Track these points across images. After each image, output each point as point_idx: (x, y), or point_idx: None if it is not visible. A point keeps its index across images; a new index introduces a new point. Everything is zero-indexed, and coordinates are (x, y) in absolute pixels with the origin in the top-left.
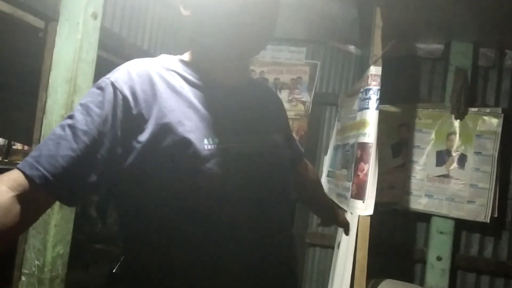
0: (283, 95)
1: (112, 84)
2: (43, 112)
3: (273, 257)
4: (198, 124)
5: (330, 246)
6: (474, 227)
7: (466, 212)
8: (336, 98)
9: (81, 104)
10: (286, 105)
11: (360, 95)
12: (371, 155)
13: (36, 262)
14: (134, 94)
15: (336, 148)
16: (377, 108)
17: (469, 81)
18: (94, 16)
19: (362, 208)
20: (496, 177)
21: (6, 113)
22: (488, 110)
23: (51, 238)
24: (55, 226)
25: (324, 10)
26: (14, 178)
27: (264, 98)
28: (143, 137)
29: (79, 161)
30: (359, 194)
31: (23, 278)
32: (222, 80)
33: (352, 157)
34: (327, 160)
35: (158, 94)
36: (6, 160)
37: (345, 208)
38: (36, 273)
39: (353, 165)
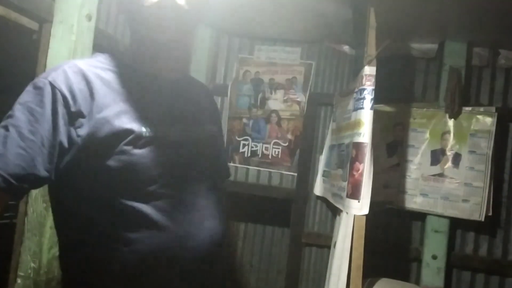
0: (278, 95)
1: (50, 84)
2: None
3: (201, 243)
4: (134, 115)
5: (326, 245)
6: (469, 225)
7: (461, 210)
8: (331, 98)
9: (20, 104)
10: (281, 105)
11: (354, 95)
12: (366, 155)
13: (32, 264)
14: (72, 92)
15: (331, 148)
16: (371, 108)
17: (463, 80)
18: (89, 18)
19: (358, 208)
20: (490, 176)
21: None
22: (482, 109)
23: (46, 240)
24: (51, 228)
25: (318, 11)
26: None
27: (197, 91)
28: (83, 131)
29: (29, 158)
30: (354, 193)
31: (19, 280)
32: (156, 72)
33: (347, 157)
34: (322, 160)
35: (94, 92)
36: None
37: (340, 207)
38: (32, 275)
39: (348, 164)
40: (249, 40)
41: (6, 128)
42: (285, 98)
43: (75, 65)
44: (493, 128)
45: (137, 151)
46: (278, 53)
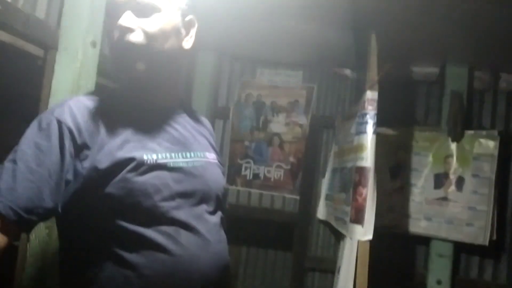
0: (280, 118)
1: (57, 119)
2: None
3: (207, 266)
4: (136, 144)
5: (329, 270)
6: (474, 250)
7: (465, 235)
8: (333, 121)
9: (27, 139)
10: (284, 128)
11: (357, 119)
12: (369, 179)
13: None
14: (77, 126)
15: (334, 171)
16: (374, 133)
17: (465, 103)
18: (93, 45)
19: (361, 233)
20: (494, 199)
21: (1, 139)
22: (484, 132)
23: (49, 267)
24: (53, 255)
25: (319, 35)
26: None
27: (195, 119)
28: (87, 163)
29: (37, 191)
30: (358, 218)
31: None
32: (152, 102)
33: (350, 181)
34: (325, 183)
35: (98, 125)
36: None
37: (344, 232)
38: None
39: (351, 189)
40: (251, 63)
41: (14, 162)
42: (287, 121)
43: (79, 100)
44: (496, 152)
45: (138, 178)
46: (280, 76)
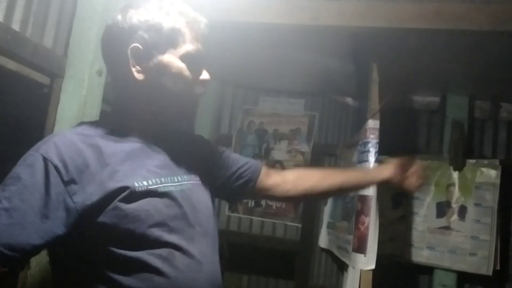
0: (282, 146)
1: (42, 156)
2: None
3: None
4: (127, 173)
5: None
6: (477, 280)
7: (468, 264)
8: (334, 148)
9: (12, 177)
10: (286, 156)
11: (358, 147)
12: (371, 207)
13: None
14: (63, 162)
15: (336, 199)
16: (376, 161)
17: (466, 133)
18: (99, 73)
19: (364, 262)
20: (497, 229)
21: (6, 165)
22: (486, 161)
23: None
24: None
25: (321, 65)
26: None
27: (189, 141)
28: (78, 198)
29: (20, 228)
30: (360, 247)
31: None
32: (151, 133)
33: (353, 209)
34: (327, 211)
35: (86, 160)
36: None
37: (346, 261)
38: None
39: (353, 217)
40: (253, 92)
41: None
42: (289, 148)
43: (64, 135)
44: (498, 181)
45: (130, 205)
46: (282, 104)
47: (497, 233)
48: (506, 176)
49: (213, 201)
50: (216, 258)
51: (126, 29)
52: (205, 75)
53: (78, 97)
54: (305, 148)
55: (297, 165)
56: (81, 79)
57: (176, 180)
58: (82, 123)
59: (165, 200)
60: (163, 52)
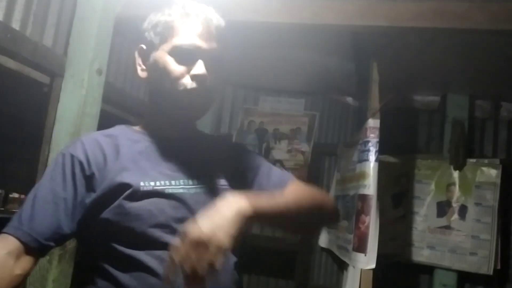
0: (283, 145)
1: (70, 153)
2: (45, 166)
3: None
4: (135, 172)
5: None
6: (478, 279)
7: (468, 264)
8: (335, 148)
9: (46, 173)
10: (286, 155)
11: (359, 146)
12: (371, 207)
13: None
14: (87, 158)
15: (336, 198)
16: (376, 160)
17: (466, 132)
18: (99, 72)
19: (364, 262)
20: (498, 228)
21: (6, 164)
22: (486, 161)
23: None
24: (53, 282)
25: (321, 64)
26: (2, 240)
27: (212, 146)
28: (94, 193)
29: (54, 219)
30: (360, 247)
31: None
32: (166, 134)
33: (353, 208)
34: None
35: (106, 158)
36: (3, 209)
37: (347, 261)
38: None
39: (354, 217)
40: (253, 91)
41: (34, 194)
42: (289, 148)
43: (91, 136)
44: (498, 180)
45: (134, 204)
46: (283, 104)
47: (498, 233)
48: (506, 176)
49: None
50: (226, 265)
51: (140, 32)
52: (196, 69)
53: (78, 96)
54: (305, 147)
55: (297, 165)
56: (81, 78)
57: (190, 183)
58: (116, 126)
59: (171, 202)
60: (157, 49)
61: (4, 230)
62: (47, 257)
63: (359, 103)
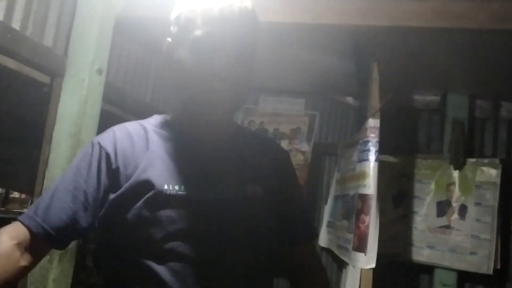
0: (283, 145)
1: (99, 144)
2: (46, 166)
3: None
4: (162, 172)
5: None
6: (478, 279)
7: (468, 263)
8: (335, 148)
9: (73, 162)
10: None
11: (359, 146)
12: (372, 206)
13: None
14: (115, 151)
15: (336, 198)
16: (376, 160)
17: (466, 132)
18: (99, 72)
19: (364, 261)
20: (497, 228)
21: (6, 164)
22: (486, 161)
23: None
24: (54, 282)
25: (321, 64)
26: (14, 229)
27: (250, 149)
28: (117, 188)
29: (70, 212)
30: (360, 246)
31: None
32: (197, 134)
33: (353, 208)
34: (327, 210)
35: (135, 151)
36: (3, 209)
37: (347, 260)
38: None
39: (354, 216)
40: (254, 91)
41: (57, 183)
42: (289, 148)
43: (124, 126)
44: (498, 180)
45: (154, 208)
46: (283, 104)
47: (498, 232)
48: (506, 175)
49: (274, 220)
50: (243, 271)
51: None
52: (216, 67)
53: (78, 96)
54: (306, 147)
55: (298, 165)
56: (81, 78)
57: (217, 190)
58: (154, 116)
59: (195, 210)
60: (180, 43)
61: (19, 217)
62: (48, 257)
63: (359, 103)
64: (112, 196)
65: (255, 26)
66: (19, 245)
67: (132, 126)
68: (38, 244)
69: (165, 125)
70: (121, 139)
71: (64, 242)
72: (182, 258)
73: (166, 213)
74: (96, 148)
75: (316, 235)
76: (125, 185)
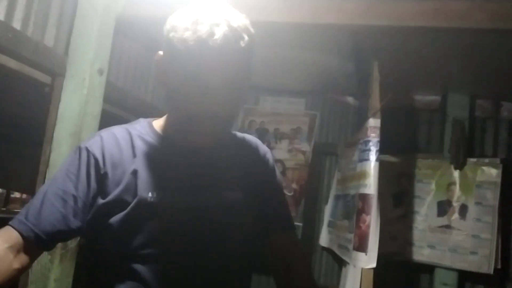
0: (283, 145)
1: (86, 149)
2: (47, 166)
3: None
4: (146, 179)
5: None
6: (478, 278)
7: (469, 263)
8: (335, 147)
9: (62, 167)
10: (286, 155)
11: (359, 146)
12: (372, 206)
13: None
14: (103, 156)
15: (336, 197)
16: (377, 160)
17: (467, 132)
18: (100, 72)
19: (365, 261)
20: (498, 227)
21: (8, 164)
22: (486, 160)
23: None
24: (55, 281)
25: (322, 64)
26: (6, 233)
27: (232, 154)
28: (106, 193)
29: (60, 216)
30: (361, 246)
31: None
32: (185, 143)
33: (353, 208)
34: (327, 210)
35: (122, 157)
36: (4, 209)
37: (347, 260)
38: None
39: (354, 216)
40: (254, 91)
41: (46, 189)
42: (289, 147)
43: (111, 131)
44: (499, 180)
45: (137, 214)
46: (283, 104)
47: (498, 232)
48: (507, 175)
49: (253, 225)
50: (226, 276)
51: (161, 35)
52: (206, 106)
53: (79, 96)
54: (306, 147)
55: (298, 164)
56: (82, 78)
57: (200, 198)
58: (139, 120)
59: (178, 217)
60: (170, 64)
61: (10, 222)
62: (49, 256)
63: (360, 103)
64: (100, 201)
65: (250, 51)
66: (11, 248)
67: (118, 131)
68: (30, 247)
69: (150, 131)
70: (108, 145)
71: (54, 245)
72: (161, 262)
73: (147, 220)
74: (84, 153)
75: (294, 227)
76: (114, 192)
